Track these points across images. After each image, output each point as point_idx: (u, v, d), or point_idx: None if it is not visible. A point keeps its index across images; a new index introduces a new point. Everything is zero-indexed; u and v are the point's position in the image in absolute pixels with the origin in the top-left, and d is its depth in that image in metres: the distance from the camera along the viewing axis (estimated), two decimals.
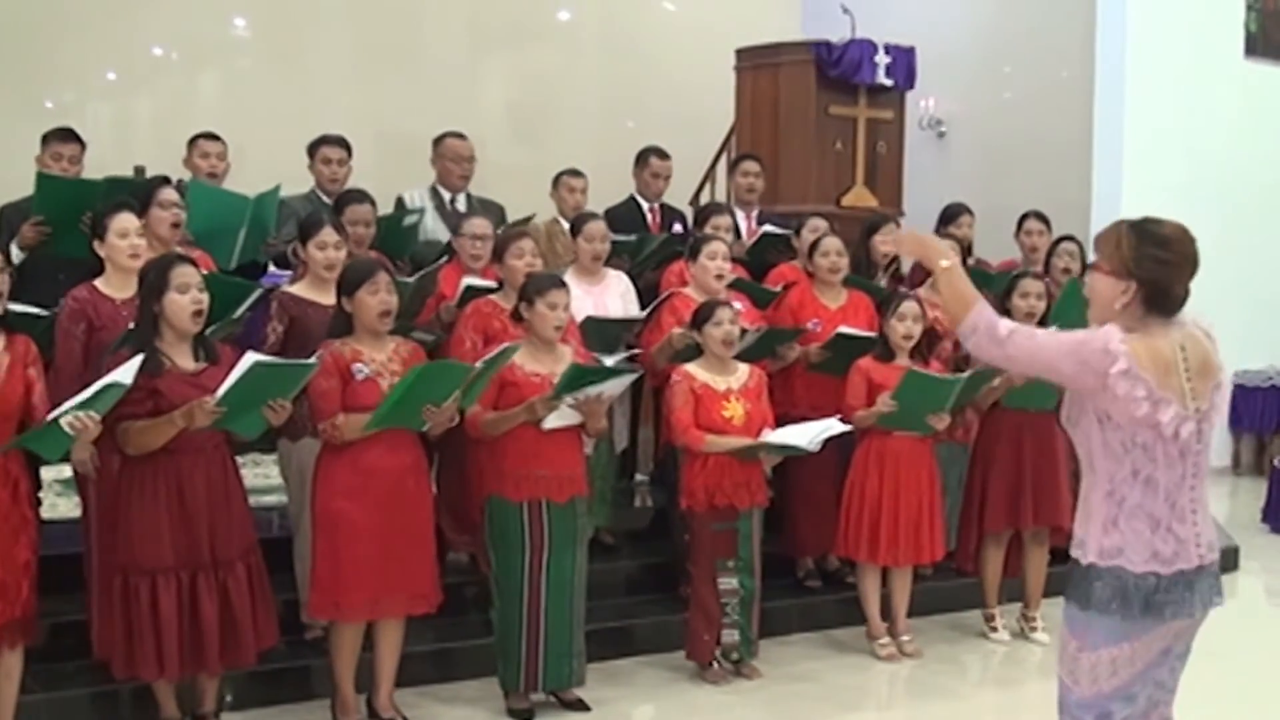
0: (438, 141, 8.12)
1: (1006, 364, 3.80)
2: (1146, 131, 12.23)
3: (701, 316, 6.43)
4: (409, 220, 7.49)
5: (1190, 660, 3.80)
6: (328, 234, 6.00)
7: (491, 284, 6.57)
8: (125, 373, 4.71)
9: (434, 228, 7.72)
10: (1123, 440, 3.56)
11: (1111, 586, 3.58)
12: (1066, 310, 7.38)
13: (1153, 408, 3.49)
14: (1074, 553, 3.72)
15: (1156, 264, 3.54)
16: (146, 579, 4.97)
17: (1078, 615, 3.67)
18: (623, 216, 8.38)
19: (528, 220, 7.77)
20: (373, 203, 6.92)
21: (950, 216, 8.56)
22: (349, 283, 5.45)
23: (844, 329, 7.06)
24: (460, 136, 8.11)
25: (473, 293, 6.53)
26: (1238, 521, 10.40)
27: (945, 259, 3.78)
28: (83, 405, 4.61)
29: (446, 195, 8.03)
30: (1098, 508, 3.65)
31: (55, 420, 4.61)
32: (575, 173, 8.41)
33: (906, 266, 8.09)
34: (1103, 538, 3.62)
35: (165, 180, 6.43)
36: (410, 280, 6.31)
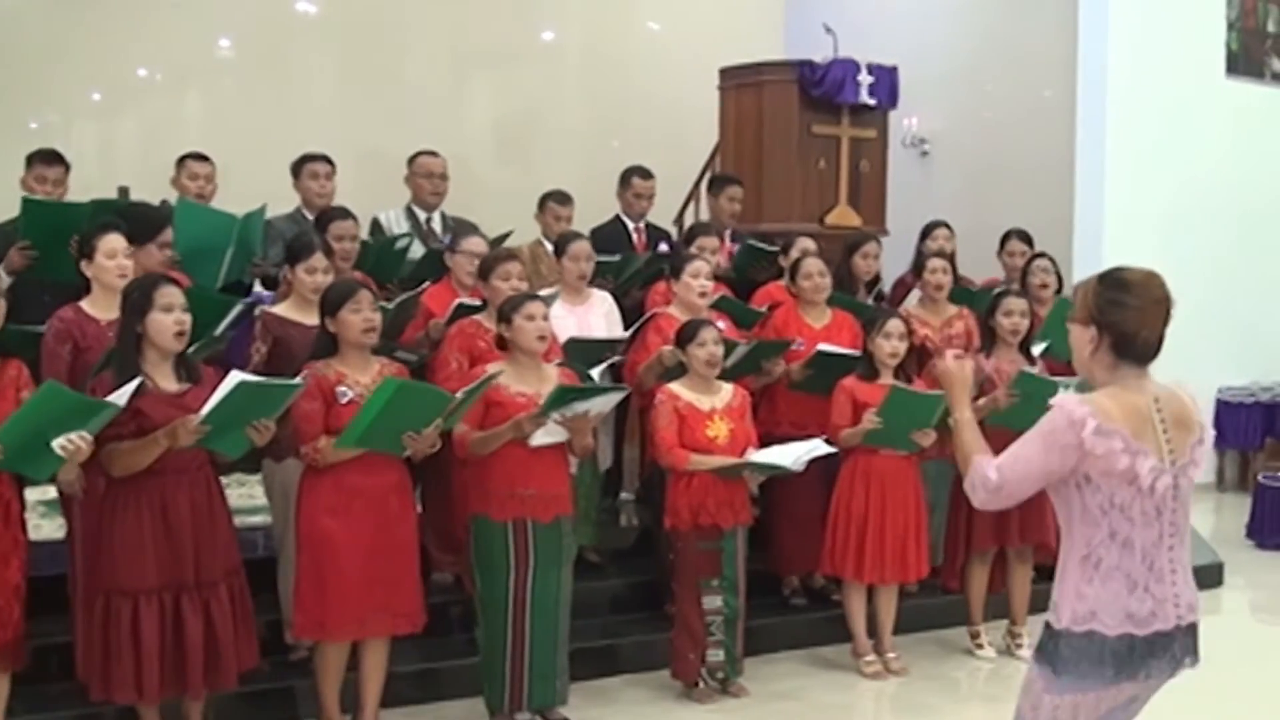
0: (411, 160, 8.18)
1: (1011, 503, 3.76)
2: (1129, 150, 12.28)
3: (685, 336, 6.44)
4: (400, 244, 7.51)
5: (1177, 676, 3.80)
6: (318, 259, 6.01)
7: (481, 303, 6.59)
8: (120, 395, 4.70)
9: (411, 246, 7.71)
10: (1100, 503, 3.53)
11: (1083, 650, 3.53)
12: (1054, 328, 7.42)
13: (1131, 459, 3.46)
14: (1048, 617, 3.66)
15: (1118, 309, 3.51)
16: (129, 601, 4.94)
17: (1045, 670, 3.62)
18: (608, 236, 8.40)
19: (505, 238, 7.78)
20: (355, 219, 6.94)
21: (927, 232, 8.64)
22: (331, 303, 5.45)
23: (824, 347, 7.07)
24: (433, 154, 8.16)
25: (464, 311, 6.54)
26: (1222, 537, 10.41)
27: (958, 411, 3.81)
28: (75, 423, 4.60)
29: (422, 215, 8.10)
30: (1073, 572, 3.60)
31: (47, 441, 4.60)
32: (563, 199, 8.36)
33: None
34: (1076, 602, 3.56)
35: (169, 220, 6.37)
36: (390, 305, 6.31)
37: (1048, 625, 3.66)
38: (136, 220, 5.96)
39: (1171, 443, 3.55)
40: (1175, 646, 3.60)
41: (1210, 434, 3.70)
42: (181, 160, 7.47)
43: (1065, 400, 3.52)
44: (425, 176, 8.11)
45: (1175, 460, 3.55)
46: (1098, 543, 3.56)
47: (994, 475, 3.60)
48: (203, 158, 7.48)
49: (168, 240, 6.08)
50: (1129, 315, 3.52)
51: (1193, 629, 3.66)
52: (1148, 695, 3.73)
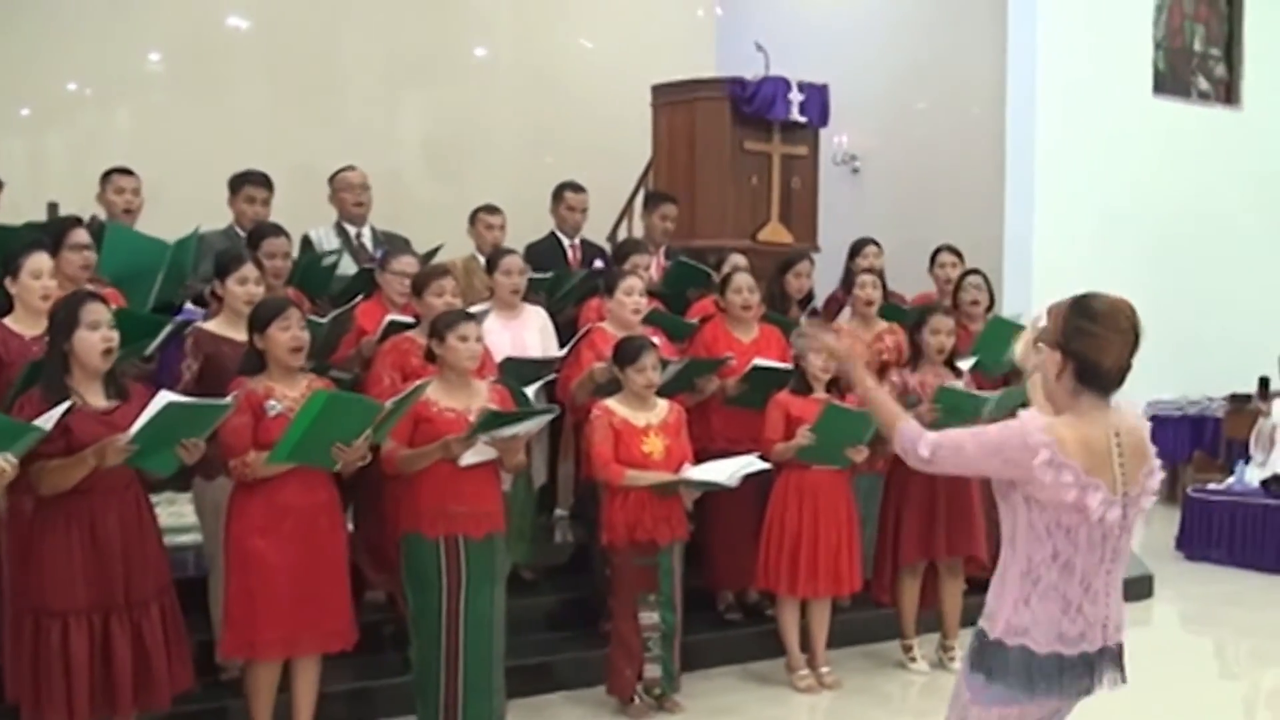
0: (332, 178, 8.18)
1: (935, 473, 3.80)
2: (1058, 168, 12.44)
3: (626, 357, 6.43)
4: (328, 260, 7.48)
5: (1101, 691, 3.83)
6: (249, 269, 5.98)
7: (413, 320, 6.56)
8: (48, 419, 4.64)
9: (341, 263, 7.68)
10: (1047, 524, 3.54)
11: (1015, 662, 3.56)
12: (987, 345, 7.48)
13: (1081, 493, 3.46)
14: (982, 623, 3.68)
15: (1083, 336, 3.50)
16: (58, 621, 4.87)
17: (975, 679, 3.65)
18: (543, 253, 8.41)
19: (434, 253, 7.78)
20: (287, 236, 6.91)
21: (856, 249, 8.67)
22: (260, 319, 5.42)
23: (759, 361, 7.10)
24: (351, 168, 8.19)
25: (395, 328, 6.51)
26: (1152, 549, 10.52)
27: (860, 387, 3.88)
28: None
29: (352, 230, 8.08)
30: (1012, 584, 3.62)
31: None
32: (492, 209, 8.43)
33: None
34: (1012, 615, 3.59)
35: (77, 221, 6.35)
36: (324, 320, 6.28)
37: (982, 632, 3.67)
38: (46, 232, 5.92)
39: (1126, 474, 3.56)
40: (1101, 665, 3.63)
41: (1158, 465, 3.71)
42: (106, 175, 7.37)
43: (1029, 422, 3.51)
44: (346, 190, 8.10)
45: (1128, 491, 3.57)
46: (1039, 561, 3.58)
47: (926, 453, 3.63)
48: (127, 172, 7.39)
49: (78, 241, 5.99)
50: (1092, 344, 3.51)
51: (1119, 649, 3.69)
52: (1069, 708, 3.75)
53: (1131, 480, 3.58)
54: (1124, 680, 3.71)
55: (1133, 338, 3.54)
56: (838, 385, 6.95)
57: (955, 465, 3.66)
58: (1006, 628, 3.60)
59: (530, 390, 6.23)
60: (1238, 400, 12.93)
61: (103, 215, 7.21)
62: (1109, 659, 3.65)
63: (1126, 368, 3.56)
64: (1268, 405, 11.31)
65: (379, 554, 6.47)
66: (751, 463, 6.44)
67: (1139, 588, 8.95)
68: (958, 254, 8.69)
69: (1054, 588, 3.57)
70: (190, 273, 6.94)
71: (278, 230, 6.90)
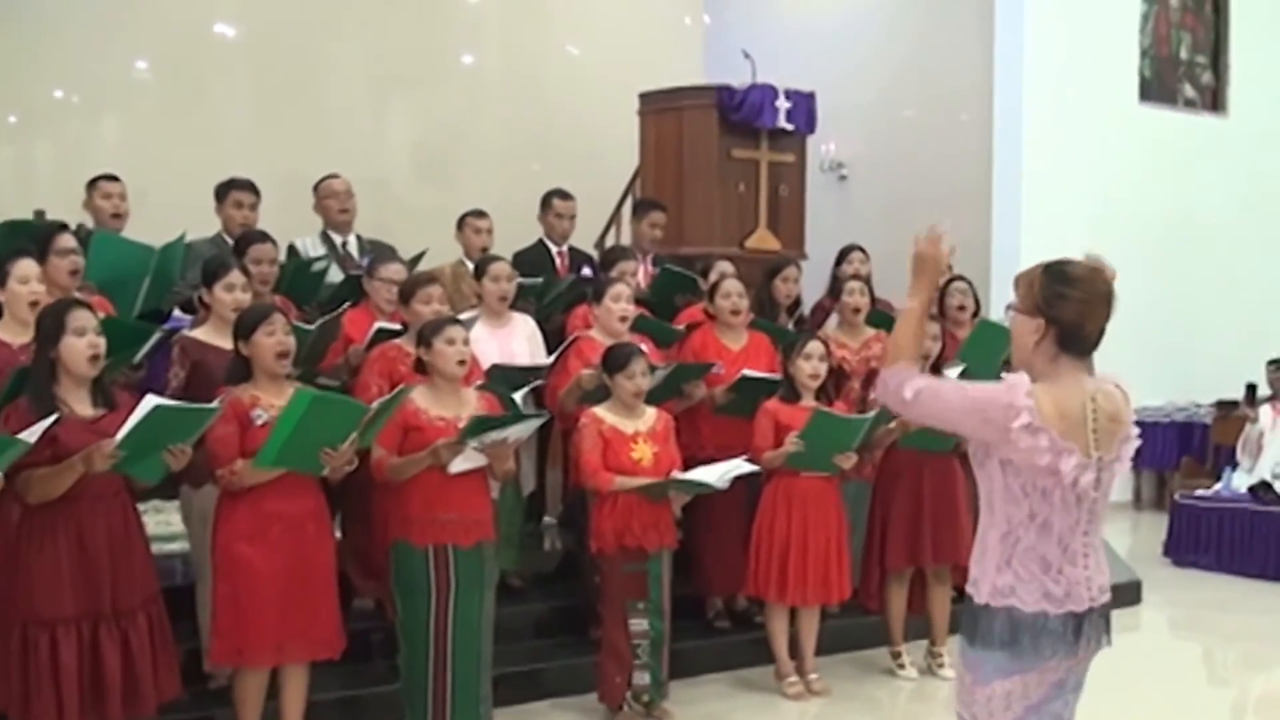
0: (316, 187, 8.18)
1: (910, 419, 3.82)
2: (1045, 175, 12.46)
3: (615, 364, 6.42)
4: (317, 266, 7.47)
5: (1096, 692, 3.83)
6: (235, 276, 5.97)
7: (400, 327, 6.56)
8: (32, 433, 4.63)
9: (329, 271, 7.68)
10: (1023, 485, 3.58)
11: (1003, 625, 3.59)
12: (974, 350, 7.47)
13: (1054, 457, 3.50)
14: (968, 589, 3.74)
15: (1064, 302, 3.56)
16: (46, 631, 4.86)
17: (970, 651, 3.70)
18: (531, 260, 8.40)
19: (420, 258, 7.77)
20: (274, 242, 6.90)
21: (842, 256, 8.66)
22: (245, 326, 5.41)
23: (748, 372, 7.10)
24: (334, 176, 8.21)
25: (383, 336, 6.51)
26: (1140, 555, 10.55)
27: (913, 298, 3.88)
28: None
29: (338, 239, 8.08)
30: (993, 548, 3.67)
31: None
32: (479, 213, 8.42)
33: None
34: (996, 577, 3.63)
35: (63, 226, 6.33)
36: (311, 327, 6.26)
37: (969, 601, 3.72)
38: (32, 238, 5.91)
39: (1099, 439, 3.58)
40: (1088, 627, 3.65)
41: (1135, 432, 3.72)
42: (93, 182, 7.36)
43: (1017, 385, 3.54)
44: (331, 197, 8.11)
45: (1102, 456, 3.59)
46: (1017, 522, 3.62)
47: (909, 395, 3.66)
48: (114, 178, 7.38)
49: (65, 246, 5.97)
50: (1074, 308, 3.57)
51: (1105, 610, 3.71)
52: (1075, 684, 3.74)
53: (1105, 446, 3.61)
54: (1109, 643, 3.73)
55: (1110, 301, 3.62)
56: (826, 392, 6.96)
57: (932, 414, 3.70)
58: (992, 590, 3.64)
59: (518, 396, 6.22)
60: (1225, 406, 12.96)
61: (90, 222, 7.20)
62: (1097, 619, 3.68)
63: (1103, 330, 3.63)
64: (1255, 411, 11.34)
65: (367, 561, 6.46)
66: (740, 465, 6.44)
67: (1127, 594, 8.96)
68: None
69: (1032, 549, 3.61)
70: (178, 279, 6.93)
71: (264, 236, 6.91)
